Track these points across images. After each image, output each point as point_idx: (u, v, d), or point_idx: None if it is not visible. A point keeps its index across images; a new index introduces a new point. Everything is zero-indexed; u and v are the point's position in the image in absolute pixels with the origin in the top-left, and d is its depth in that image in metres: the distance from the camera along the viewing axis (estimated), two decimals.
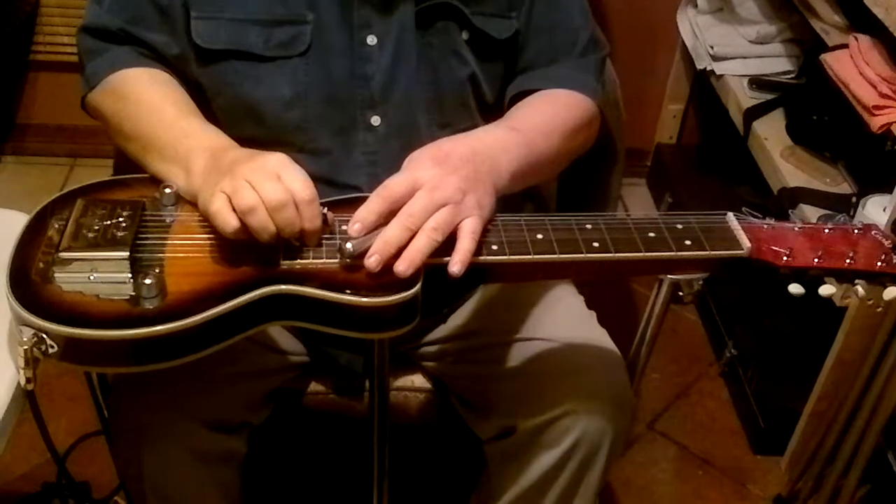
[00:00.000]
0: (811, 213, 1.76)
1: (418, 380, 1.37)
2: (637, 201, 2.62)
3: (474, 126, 1.21)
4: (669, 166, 2.57)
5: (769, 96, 2.09)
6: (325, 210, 0.99)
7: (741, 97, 2.10)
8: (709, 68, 2.22)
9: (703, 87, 2.47)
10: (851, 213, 1.73)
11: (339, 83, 1.15)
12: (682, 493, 1.88)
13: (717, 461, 1.94)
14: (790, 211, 1.80)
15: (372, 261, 0.93)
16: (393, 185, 0.97)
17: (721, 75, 2.19)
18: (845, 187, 1.84)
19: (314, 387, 1.36)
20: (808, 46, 2.13)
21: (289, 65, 1.14)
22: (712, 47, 2.20)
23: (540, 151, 1.11)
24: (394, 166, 1.17)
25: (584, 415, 1.17)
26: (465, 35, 1.17)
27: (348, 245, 0.94)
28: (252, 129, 1.15)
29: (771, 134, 1.99)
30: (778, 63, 2.17)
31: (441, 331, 1.31)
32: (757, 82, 2.12)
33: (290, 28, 1.13)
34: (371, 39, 1.14)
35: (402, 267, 0.93)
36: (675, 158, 2.59)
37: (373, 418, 1.11)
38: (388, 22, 1.14)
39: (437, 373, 1.34)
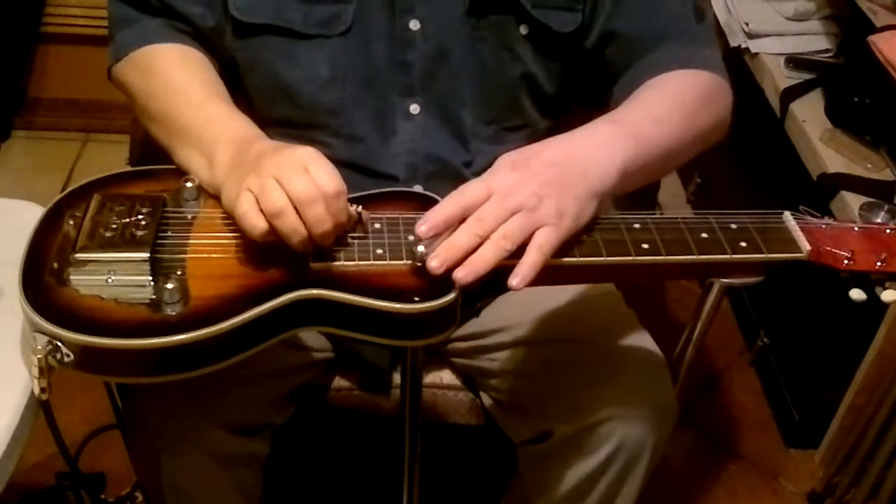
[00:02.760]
0: (852, 200, 1.69)
1: (447, 376, 1.32)
2: (664, 182, 2.54)
3: (525, 125, 1.15)
4: None
5: (807, 76, 2.00)
6: (360, 208, 0.93)
7: (777, 77, 2.02)
8: (743, 46, 2.14)
9: (735, 65, 2.38)
10: (895, 201, 1.66)
11: (378, 67, 1.09)
12: (711, 488, 1.83)
13: (748, 454, 1.89)
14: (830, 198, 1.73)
15: (434, 264, 0.87)
16: (468, 191, 0.90)
17: (756, 53, 2.11)
18: (888, 174, 1.76)
19: (339, 382, 1.31)
20: (847, 24, 2.05)
21: (327, 44, 1.08)
22: (747, 24, 2.11)
23: (652, 140, 0.99)
24: (433, 158, 1.12)
25: (625, 421, 1.12)
26: (523, 30, 1.10)
27: (420, 248, 0.88)
28: (286, 110, 1.10)
29: (809, 116, 1.91)
30: (815, 41, 2.08)
31: (473, 326, 1.25)
32: (794, 61, 2.03)
33: (331, 6, 1.07)
34: (413, 24, 1.08)
35: (461, 274, 0.86)
36: None
37: (404, 427, 1.06)
38: (433, 7, 1.08)
39: (468, 370, 1.29)
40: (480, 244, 0.87)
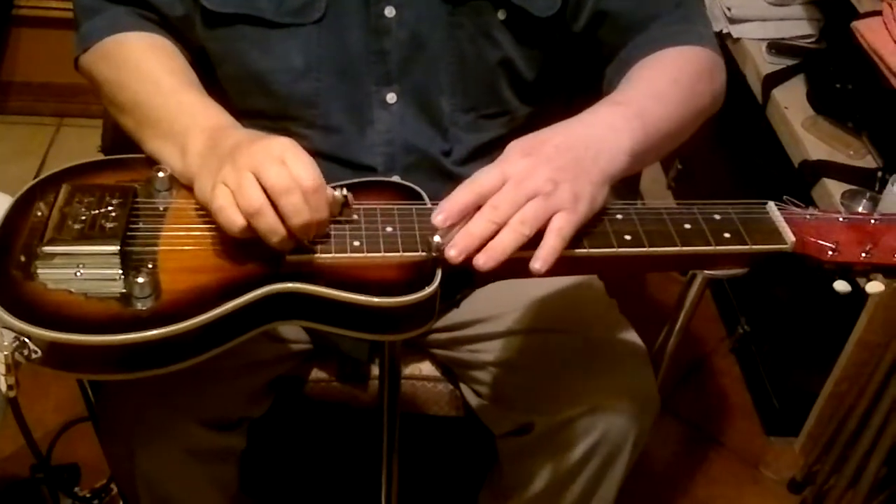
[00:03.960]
0: (834, 188, 1.68)
1: (426, 367, 1.30)
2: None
3: (504, 112, 1.13)
4: None
5: (789, 62, 1.99)
6: (345, 191, 0.91)
7: (760, 62, 2.00)
8: (725, 31, 2.12)
9: None
10: (877, 189, 1.65)
11: (353, 56, 1.07)
12: (691, 475, 1.82)
13: (728, 442, 1.88)
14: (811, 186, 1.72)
15: (453, 253, 0.85)
16: (481, 178, 0.88)
17: (738, 38, 2.09)
18: (869, 160, 1.75)
19: (316, 374, 1.29)
20: (829, 9, 2.04)
21: (301, 33, 1.06)
22: (729, 9, 2.10)
23: (657, 119, 0.98)
24: (411, 148, 1.10)
25: (607, 413, 1.11)
26: (501, 15, 1.08)
27: (436, 238, 0.86)
28: (260, 102, 1.07)
29: (791, 102, 1.90)
30: (798, 26, 2.07)
31: (453, 317, 1.23)
32: (776, 47, 2.02)
33: None
34: (389, 11, 1.06)
35: (482, 260, 0.84)
36: None
37: (383, 419, 1.04)
38: None
39: (448, 361, 1.27)
40: (496, 231, 0.85)
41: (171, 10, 1.08)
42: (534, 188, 0.86)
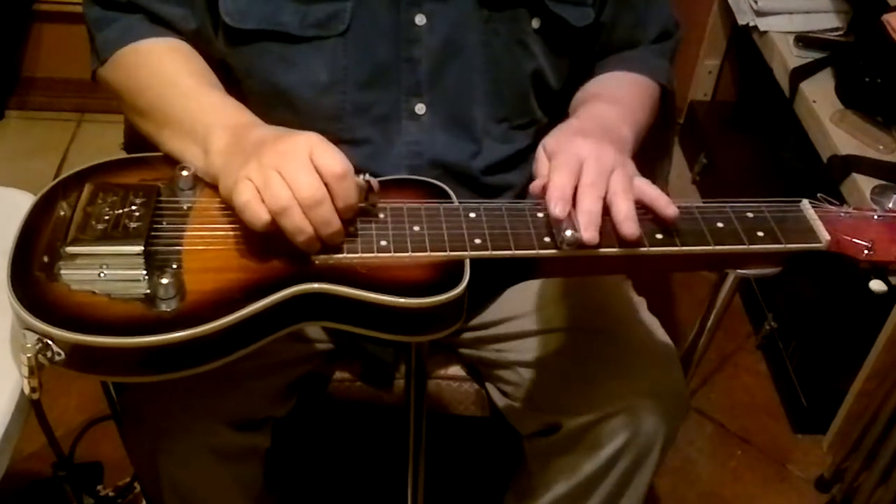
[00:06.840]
0: (864, 183, 1.65)
1: (452, 367, 1.29)
2: None
3: (533, 121, 1.13)
4: (703, 125, 2.45)
5: (817, 55, 1.96)
6: (367, 176, 0.90)
7: (787, 56, 1.98)
8: (752, 24, 2.10)
9: (741, 43, 2.34)
10: None
11: (381, 66, 1.05)
12: (719, 474, 1.80)
13: (755, 440, 1.86)
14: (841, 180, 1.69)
15: (590, 235, 0.88)
16: (568, 162, 0.93)
17: (765, 31, 2.06)
18: None
19: (340, 374, 1.28)
20: (857, 2, 2.01)
21: (326, 46, 1.03)
22: (756, 1, 2.07)
23: (641, 122, 1.11)
24: (437, 160, 1.08)
25: (636, 414, 1.09)
26: (535, 23, 1.07)
27: (567, 233, 0.87)
28: (284, 116, 1.04)
29: (819, 96, 1.87)
30: (825, 19, 2.04)
31: (480, 316, 1.21)
32: (804, 40, 1.99)
33: (328, 5, 1.02)
34: (419, 19, 1.04)
35: (631, 229, 0.89)
36: (710, 117, 2.47)
37: (409, 420, 1.03)
38: (443, 1, 1.03)
39: (474, 361, 1.25)
40: (602, 205, 0.91)
41: (185, 25, 1.07)
42: (611, 162, 0.93)
